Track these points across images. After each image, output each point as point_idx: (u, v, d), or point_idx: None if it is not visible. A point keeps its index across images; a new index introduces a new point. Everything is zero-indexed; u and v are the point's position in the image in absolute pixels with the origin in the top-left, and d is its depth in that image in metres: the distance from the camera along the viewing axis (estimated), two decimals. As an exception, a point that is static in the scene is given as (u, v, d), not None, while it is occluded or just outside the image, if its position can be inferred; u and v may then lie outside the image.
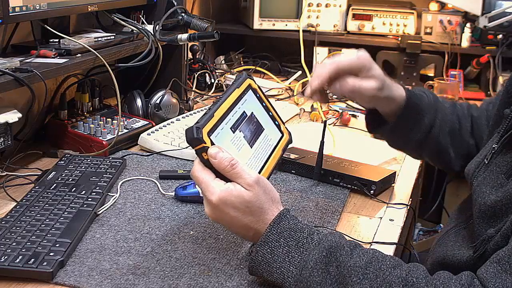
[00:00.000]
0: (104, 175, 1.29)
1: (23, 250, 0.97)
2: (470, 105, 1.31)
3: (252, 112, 1.05)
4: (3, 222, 1.06)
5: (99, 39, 1.55)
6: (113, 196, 1.23)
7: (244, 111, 1.03)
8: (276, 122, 1.13)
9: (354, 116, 1.90)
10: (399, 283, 0.82)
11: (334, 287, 0.84)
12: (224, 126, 0.96)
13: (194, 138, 0.89)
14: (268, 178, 1.00)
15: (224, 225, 0.96)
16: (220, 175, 0.91)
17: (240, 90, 1.03)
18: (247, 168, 0.92)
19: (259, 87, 1.10)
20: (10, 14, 1.27)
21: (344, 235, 1.10)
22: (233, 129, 0.98)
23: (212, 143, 0.91)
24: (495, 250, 0.87)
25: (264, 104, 1.10)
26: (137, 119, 1.63)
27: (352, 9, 2.44)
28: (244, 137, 1.00)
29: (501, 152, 1.02)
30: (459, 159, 1.25)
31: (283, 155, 1.39)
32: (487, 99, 1.33)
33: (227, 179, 0.91)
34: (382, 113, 1.21)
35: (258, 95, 1.09)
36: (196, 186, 1.21)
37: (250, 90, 1.07)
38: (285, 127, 1.15)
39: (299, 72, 2.29)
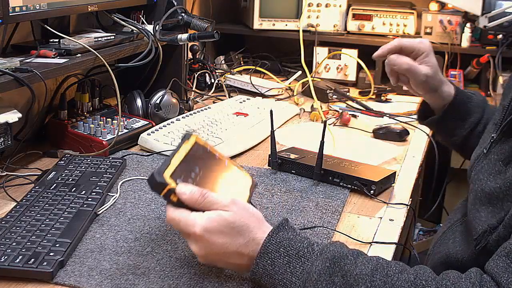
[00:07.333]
0: (104, 175, 1.29)
1: (23, 250, 0.97)
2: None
3: (205, 163, 1.01)
4: (3, 222, 1.06)
5: (99, 39, 1.55)
6: (113, 196, 1.23)
7: (199, 162, 0.99)
8: (237, 168, 1.08)
9: (354, 116, 1.90)
10: (409, 287, 0.81)
11: None
12: (183, 175, 0.91)
13: (157, 182, 0.86)
14: None
15: (216, 261, 0.91)
16: (194, 211, 0.88)
17: (190, 144, 0.98)
18: (218, 195, 0.90)
19: (205, 142, 1.04)
20: (10, 14, 1.27)
21: (346, 236, 1.11)
22: (193, 177, 0.94)
23: (177, 184, 0.88)
24: (497, 242, 0.86)
25: (217, 155, 1.05)
26: (137, 119, 1.63)
27: (352, 9, 2.44)
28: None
29: (500, 140, 1.03)
30: None
31: (283, 155, 1.41)
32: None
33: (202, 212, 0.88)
34: (432, 106, 1.33)
35: (207, 148, 1.04)
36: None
37: (197, 144, 1.02)
38: (247, 172, 1.09)
39: (299, 72, 2.29)
